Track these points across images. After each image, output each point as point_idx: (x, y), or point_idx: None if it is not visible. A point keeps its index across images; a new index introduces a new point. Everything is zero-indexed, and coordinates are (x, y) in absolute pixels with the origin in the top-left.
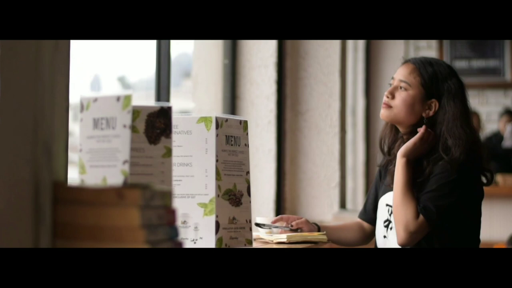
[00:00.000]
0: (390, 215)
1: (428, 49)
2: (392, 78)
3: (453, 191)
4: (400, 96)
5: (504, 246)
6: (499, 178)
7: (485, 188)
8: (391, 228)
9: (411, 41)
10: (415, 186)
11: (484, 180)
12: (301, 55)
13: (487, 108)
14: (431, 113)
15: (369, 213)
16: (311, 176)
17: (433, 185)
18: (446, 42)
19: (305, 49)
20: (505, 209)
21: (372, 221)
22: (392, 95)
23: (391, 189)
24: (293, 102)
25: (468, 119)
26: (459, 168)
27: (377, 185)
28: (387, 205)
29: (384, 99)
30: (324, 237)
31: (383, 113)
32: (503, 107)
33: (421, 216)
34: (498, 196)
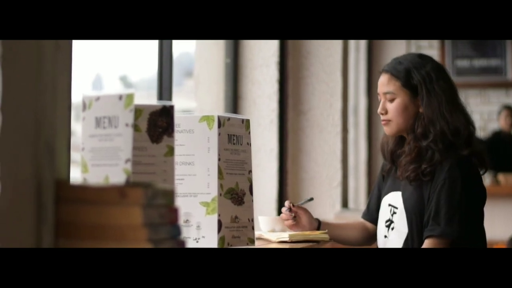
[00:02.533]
0: (392, 215)
1: (429, 48)
2: (378, 94)
3: (461, 198)
4: (391, 108)
5: (504, 246)
6: (501, 177)
7: (487, 188)
8: (392, 228)
9: (413, 41)
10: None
11: (481, 171)
12: (303, 54)
13: (488, 107)
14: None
15: (372, 213)
16: (313, 176)
17: (441, 201)
18: (447, 42)
19: (307, 48)
20: (507, 208)
21: (376, 221)
22: (385, 110)
23: (393, 189)
24: (295, 102)
25: (452, 103)
26: (461, 169)
27: (379, 185)
28: (389, 205)
29: (380, 117)
30: (326, 236)
31: (386, 130)
32: (501, 105)
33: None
34: (500, 196)
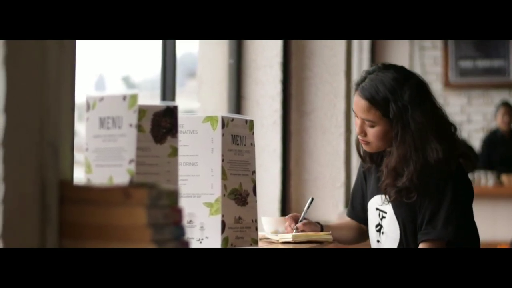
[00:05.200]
0: (381, 219)
1: (433, 49)
2: (353, 110)
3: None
4: (372, 132)
5: (507, 247)
6: (504, 178)
7: (490, 189)
8: (383, 233)
9: (416, 41)
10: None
11: (469, 168)
12: (306, 55)
13: (491, 108)
14: None
15: (358, 213)
16: (316, 176)
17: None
18: (450, 42)
19: (310, 49)
20: (509, 209)
21: (362, 220)
22: (365, 133)
23: (379, 192)
24: (298, 102)
25: (427, 134)
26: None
27: (362, 183)
28: (377, 209)
29: (359, 136)
30: (329, 236)
31: (366, 148)
32: (499, 101)
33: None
34: (502, 196)
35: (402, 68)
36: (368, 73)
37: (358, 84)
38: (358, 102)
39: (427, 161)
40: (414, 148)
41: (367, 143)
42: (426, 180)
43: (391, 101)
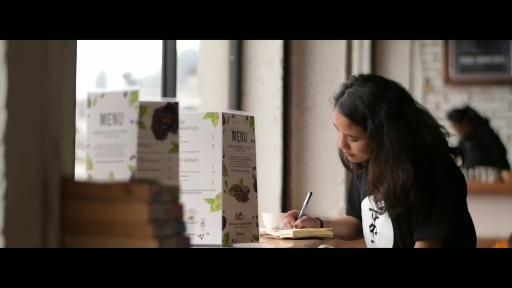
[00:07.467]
0: (374, 220)
1: (433, 46)
2: (334, 124)
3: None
4: (355, 146)
5: (505, 244)
6: (504, 174)
7: (491, 185)
8: (376, 233)
9: None
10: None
11: (459, 163)
12: (307, 52)
13: (492, 104)
14: None
15: (357, 210)
16: (317, 173)
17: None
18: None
19: (311, 46)
20: (510, 205)
21: (361, 217)
22: (348, 146)
23: (369, 194)
24: (299, 99)
25: (400, 153)
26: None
27: (357, 184)
28: (370, 209)
29: (343, 150)
30: (330, 232)
31: (351, 160)
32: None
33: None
34: (503, 193)
35: (380, 80)
36: (346, 86)
37: (336, 99)
38: (339, 118)
39: (398, 182)
40: (387, 167)
41: (352, 155)
42: (404, 195)
43: (368, 119)
